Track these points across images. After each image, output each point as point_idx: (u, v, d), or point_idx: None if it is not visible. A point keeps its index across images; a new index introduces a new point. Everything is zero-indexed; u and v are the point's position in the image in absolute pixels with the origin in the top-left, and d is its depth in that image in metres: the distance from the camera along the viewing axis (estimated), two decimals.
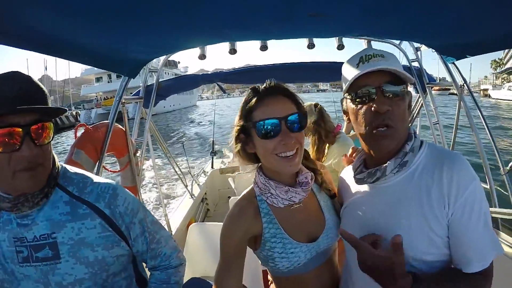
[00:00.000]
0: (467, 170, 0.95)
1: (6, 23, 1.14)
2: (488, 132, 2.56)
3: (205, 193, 5.45)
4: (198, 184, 5.30)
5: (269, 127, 1.04)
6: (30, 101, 0.93)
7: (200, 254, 2.58)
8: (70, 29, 1.31)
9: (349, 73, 1.04)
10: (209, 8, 1.28)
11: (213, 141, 7.94)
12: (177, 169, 4.41)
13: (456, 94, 2.87)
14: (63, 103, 57.12)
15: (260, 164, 1.21)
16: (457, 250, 0.96)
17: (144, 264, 1.33)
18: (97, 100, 49.12)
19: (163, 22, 1.40)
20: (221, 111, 44.03)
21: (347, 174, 1.32)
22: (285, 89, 1.12)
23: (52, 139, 1.01)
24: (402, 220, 0.99)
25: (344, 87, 1.08)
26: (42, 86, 1.00)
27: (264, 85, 1.11)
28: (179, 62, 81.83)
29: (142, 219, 1.19)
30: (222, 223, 1.17)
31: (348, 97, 1.07)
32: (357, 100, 1.02)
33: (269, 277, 1.39)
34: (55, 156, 1.11)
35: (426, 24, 1.61)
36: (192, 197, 4.74)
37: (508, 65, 71.05)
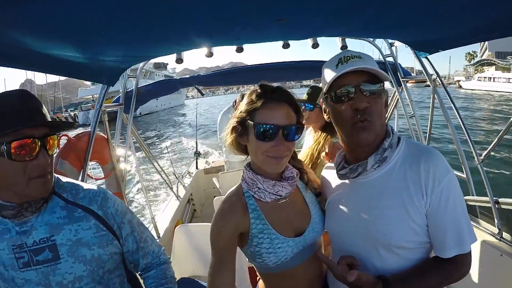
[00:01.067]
0: (442, 164, 1.03)
1: None
2: (461, 122, 2.62)
3: (191, 194, 5.43)
4: (183, 186, 5.27)
5: (267, 130, 1.09)
6: (40, 116, 1.06)
7: (188, 255, 2.59)
8: (46, 43, 1.31)
9: (329, 74, 1.10)
10: (181, 20, 1.30)
11: (196, 141, 7.93)
12: (161, 171, 4.39)
13: None
14: (54, 107, 63.58)
15: (248, 161, 1.26)
16: (436, 237, 1.03)
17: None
18: (94, 102, 49.66)
19: (139, 32, 1.41)
20: (205, 111, 44.21)
21: (328, 171, 1.37)
22: (291, 97, 1.16)
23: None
24: (384, 211, 1.05)
25: (324, 88, 1.13)
26: (41, 102, 1.11)
27: (273, 88, 1.16)
28: (167, 64, 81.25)
29: (130, 220, 1.29)
30: (208, 224, 1.20)
31: (328, 96, 1.12)
32: (337, 99, 1.07)
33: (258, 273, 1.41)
34: None
35: (397, 22, 1.64)
36: (178, 198, 4.72)
37: (484, 57, 73.36)
